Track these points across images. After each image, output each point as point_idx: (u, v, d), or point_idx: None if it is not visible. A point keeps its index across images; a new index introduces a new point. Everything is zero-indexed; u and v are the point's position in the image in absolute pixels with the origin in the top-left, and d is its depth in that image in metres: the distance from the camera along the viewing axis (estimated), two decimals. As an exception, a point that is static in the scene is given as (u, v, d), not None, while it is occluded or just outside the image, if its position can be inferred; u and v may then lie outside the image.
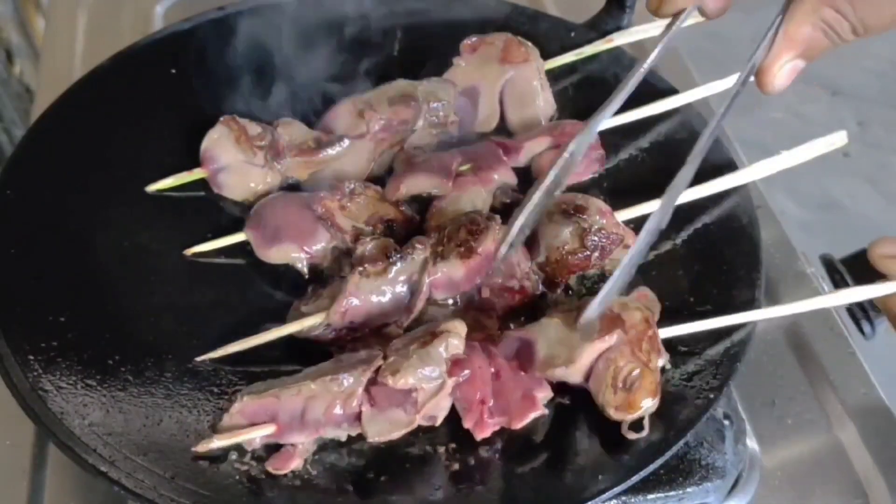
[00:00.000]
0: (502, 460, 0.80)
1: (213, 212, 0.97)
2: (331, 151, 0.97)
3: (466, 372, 0.80)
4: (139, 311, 0.88)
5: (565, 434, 0.82)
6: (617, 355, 0.80)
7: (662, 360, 0.83)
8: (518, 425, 0.80)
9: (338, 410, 0.77)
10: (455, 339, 0.80)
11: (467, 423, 0.80)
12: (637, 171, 1.04)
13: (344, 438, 0.79)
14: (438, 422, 0.80)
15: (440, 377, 0.78)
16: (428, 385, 0.78)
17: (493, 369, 0.82)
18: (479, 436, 0.80)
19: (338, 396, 0.77)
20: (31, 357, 0.82)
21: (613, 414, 0.80)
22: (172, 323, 0.88)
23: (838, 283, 1.03)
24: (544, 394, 0.82)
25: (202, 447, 0.77)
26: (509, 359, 0.84)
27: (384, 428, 0.78)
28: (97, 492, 0.84)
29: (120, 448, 0.77)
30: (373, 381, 0.78)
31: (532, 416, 0.81)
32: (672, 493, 0.82)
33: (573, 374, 0.82)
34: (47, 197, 0.95)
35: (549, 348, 0.82)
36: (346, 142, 0.97)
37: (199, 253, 0.92)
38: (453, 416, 0.81)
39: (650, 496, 0.82)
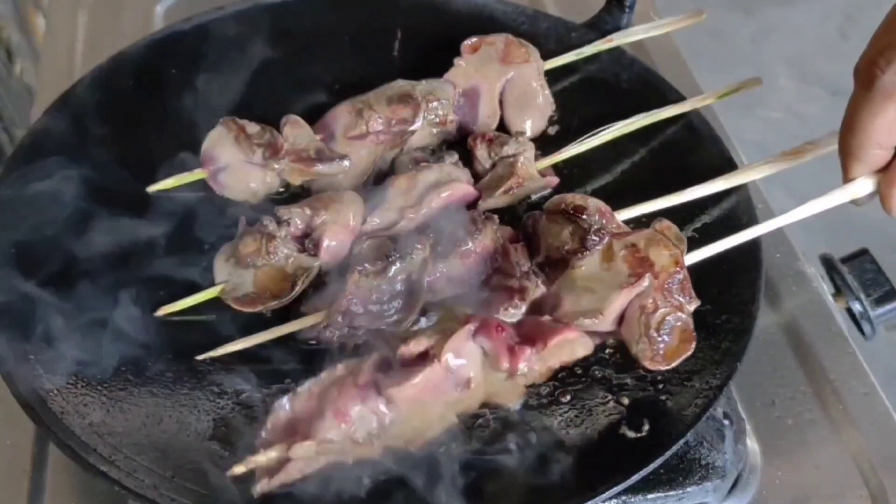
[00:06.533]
0: (500, 459, 0.80)
1: (213, 212, 0.96)
2: (325, 168, 0.96)
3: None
4: (139, 310, 0.88)
5: (565, 433, 0.81)
6: (648, 301, 0.76)
7: (695, 304, 0.78)
8: (552, 343, 0.75)
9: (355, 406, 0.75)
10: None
11: (502, 365, 0.75)
12: (637, 171, 1.04)
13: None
14: (473, 385, 0.76)
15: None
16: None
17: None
18: (515, 367, 0.75)
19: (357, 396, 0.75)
20: (32, 357, 0.82)
21: (649, 365, 0.76)
22: (172, 323, 0.88)
23: (838, 283, 1.03)
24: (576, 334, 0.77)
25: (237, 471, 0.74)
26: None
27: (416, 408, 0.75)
28: (97, 492, 0.84)
29: (120, 448, 0.77)
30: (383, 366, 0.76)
31: (563, 334, 0.76)
32: (672, 492, 0.82)
33: (603, 324, 0.77)
34: (47, 197, 0.95)
35: (577, 299, 0.77)
36: (346, 163, 0.97)
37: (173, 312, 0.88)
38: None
39: (650, 496, 0.82)
